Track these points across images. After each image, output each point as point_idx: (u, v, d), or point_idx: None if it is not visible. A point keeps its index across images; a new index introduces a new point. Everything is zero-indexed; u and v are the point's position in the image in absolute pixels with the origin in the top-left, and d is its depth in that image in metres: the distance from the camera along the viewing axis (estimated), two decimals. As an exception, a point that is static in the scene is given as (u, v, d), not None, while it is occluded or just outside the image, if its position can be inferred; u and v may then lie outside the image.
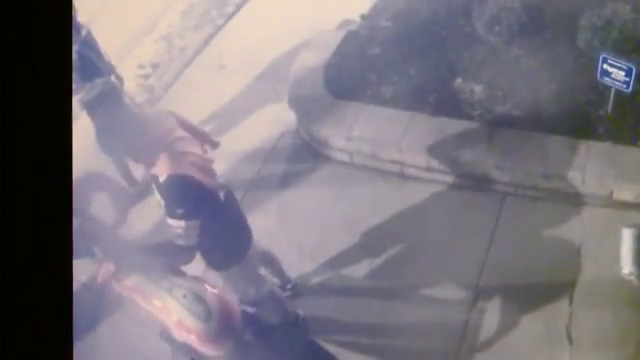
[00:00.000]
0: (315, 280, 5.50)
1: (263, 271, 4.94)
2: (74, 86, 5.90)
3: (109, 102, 5.10)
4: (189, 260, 4.10)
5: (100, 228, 4.14)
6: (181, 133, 4.13)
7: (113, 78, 6.19)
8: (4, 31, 1.89)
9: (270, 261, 5.11)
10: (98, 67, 6.05)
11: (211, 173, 4.19)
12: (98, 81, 5.93)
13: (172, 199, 3.89)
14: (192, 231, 3.93)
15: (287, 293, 5.30)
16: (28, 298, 1.95)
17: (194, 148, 4.13)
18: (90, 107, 5.82)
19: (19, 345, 1.95)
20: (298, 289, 5.38)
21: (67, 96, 2.03)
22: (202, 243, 4.11)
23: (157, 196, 4.08)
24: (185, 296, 3.94)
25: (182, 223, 3.88)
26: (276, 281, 5.28)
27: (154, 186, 4.05)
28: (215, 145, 4.54)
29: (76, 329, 2.11)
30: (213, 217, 4.10)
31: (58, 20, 1.99)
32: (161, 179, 3.93)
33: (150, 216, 5.63)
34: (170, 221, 3.90)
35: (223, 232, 4.28)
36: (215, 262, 4.51)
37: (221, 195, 4.26)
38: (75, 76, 5.88)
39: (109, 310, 5.52)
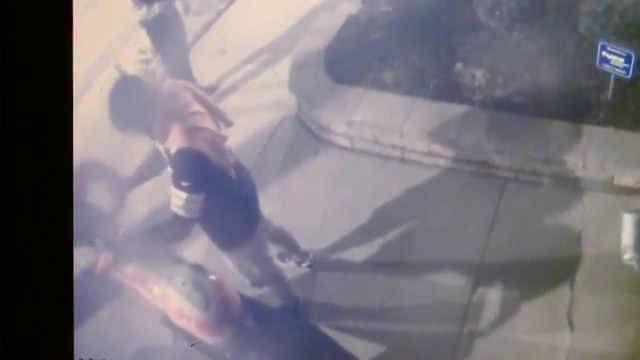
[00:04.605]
0: (315, 265, 5.51)
1: (274, 250, 4.96)
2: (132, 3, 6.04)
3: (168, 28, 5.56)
4: (185, 235, 4.05)
5: (98, 217, 4.14)
6: (197, 108, 4.11)
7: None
8: (5, 26, 1.89)
9: (283, 238, 5.14)
10: None
11: (223, 151, 4.17)
12: (155, 5, 6.03)
13: (179, 171, 3.88)
14: (193, 204, 3.89)
15: (306, 268, 5.38)
16: (29, 285, 1.96)
17: (208, 124, 4.11)
18: (149, 28, 6.15)
19: (20, 330, 1.96)
20: (317, 265, 5.42)
21: (68, 87, 2.03)
22: (209, 222, 4.15)
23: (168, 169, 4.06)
24: (184, 284, 3.95)
25: (184, 195, 3.85)
26: (294, 258, 5.35)
27: (165, 157, 4.02)
28: (229, 123, 4.51)
29: (77, 314, 2.11)
30: (221, 195, 4.10)
31: (59, 10, 1.98)
32: (172, 151, 3.92)
33: (148, 202, 5.63)
34: (173, 190, 3.89)
35: (232, 211, 4.28)
36: (222, 241, 4.51)
37: (232, 173, 4.23)
38: None
39: (110, 295, 5.52)
